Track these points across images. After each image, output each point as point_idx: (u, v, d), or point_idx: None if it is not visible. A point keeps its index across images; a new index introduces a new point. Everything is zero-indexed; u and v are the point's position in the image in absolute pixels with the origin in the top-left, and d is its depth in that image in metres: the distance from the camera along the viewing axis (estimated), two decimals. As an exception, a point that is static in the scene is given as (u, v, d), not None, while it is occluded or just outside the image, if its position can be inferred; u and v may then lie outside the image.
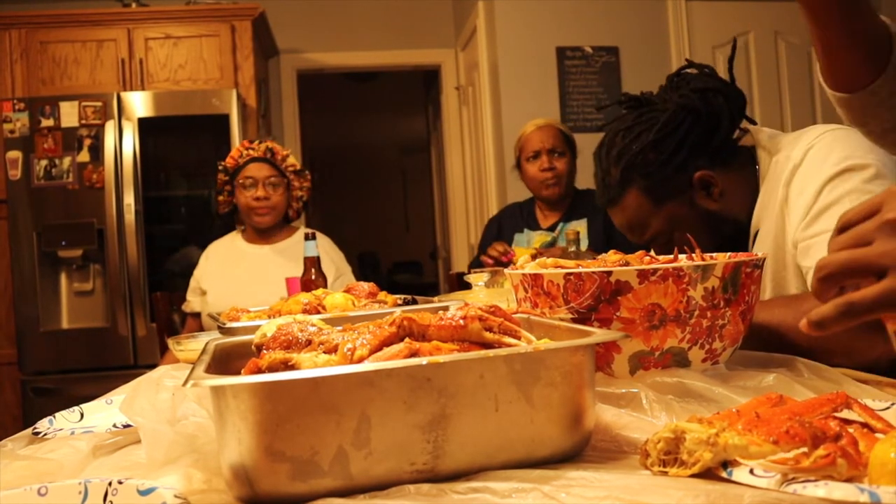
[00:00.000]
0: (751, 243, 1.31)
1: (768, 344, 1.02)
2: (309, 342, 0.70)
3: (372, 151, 8.66)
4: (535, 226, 2.69)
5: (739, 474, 0.53)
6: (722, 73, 1.34)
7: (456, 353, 0.64)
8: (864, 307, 0.55)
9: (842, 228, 0.60)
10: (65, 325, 3.62)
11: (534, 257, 1.00)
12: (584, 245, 2.43)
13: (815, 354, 0.92)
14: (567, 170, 2.61)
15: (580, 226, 2.57)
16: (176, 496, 0.53)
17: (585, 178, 2.74)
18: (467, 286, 1.78)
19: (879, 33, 0.95)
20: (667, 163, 1.28)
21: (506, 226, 2.75)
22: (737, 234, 1.32)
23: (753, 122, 1.36)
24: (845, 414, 0.61)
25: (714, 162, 1.29)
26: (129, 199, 3.53)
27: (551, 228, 2.63)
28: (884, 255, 0.55)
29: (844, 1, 0.90)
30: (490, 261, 2.40)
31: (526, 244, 2.59)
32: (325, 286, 1.82)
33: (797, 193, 1.19)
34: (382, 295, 1.32)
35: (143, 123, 3.61)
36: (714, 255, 1.00)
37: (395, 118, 8.00)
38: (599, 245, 2.45)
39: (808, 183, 1.17)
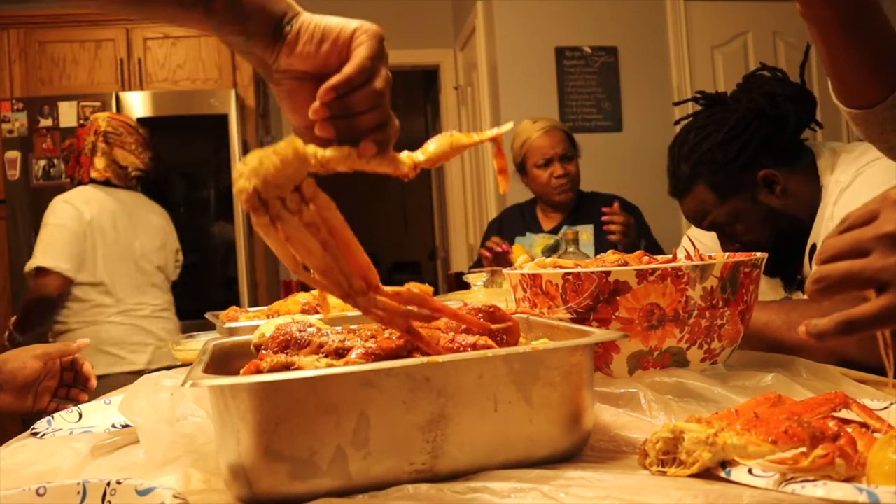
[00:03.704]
0: (807, 258, 1.37)
1: (764, 345, 1.02)
2: (308, 342, 0.70)
3: (371, 151, 8.64)
4: (537, 228, 2.66)
5: (738, 474, 0.53)
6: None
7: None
8: (864, 324, 0.55)
9: (843, 231, 0.60)
10: (63, 325, 3.61)
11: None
12: (591, 251, 2.42)
13: (807, 356, 0.92)
14: (577, 171, 2.60)
15: (586, 231, 2.55)
16: (175, 496, 0.53)
17: (590, 181, 2.74)
18: (466, 286, 1.78)
19: (892, 44, 0.90)
20: (733, 162, 1.36)
21: (507, 228, 2.71)
22: (794, 231, 1.38)
23: (820, 126, 1.43)
24: (844, 414, 0.61)
25: (779, 161, 1.37)
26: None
27: (554, 231, 2.60)
28: (883, 269, 0.55)
29: (847, 14, 0.86)
30: (489, 254, 2.39)
31: (528, 247, 2.55)
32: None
33: (840, 216, 1.23)
34: (381, 295, 1.32)
35: (142, 123, 3.60)
36: (713, 255, 1.01)
37: (393, 118, 7.97)
38: None
39: (851, 206, 1.21)
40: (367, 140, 0.64)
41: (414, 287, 0.66)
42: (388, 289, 0.64)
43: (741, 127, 1.36)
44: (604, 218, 2.31)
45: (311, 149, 0.61)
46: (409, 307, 0.64)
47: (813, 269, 0.59)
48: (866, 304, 0.55)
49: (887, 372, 0.59)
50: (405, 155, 0.67)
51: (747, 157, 1.36)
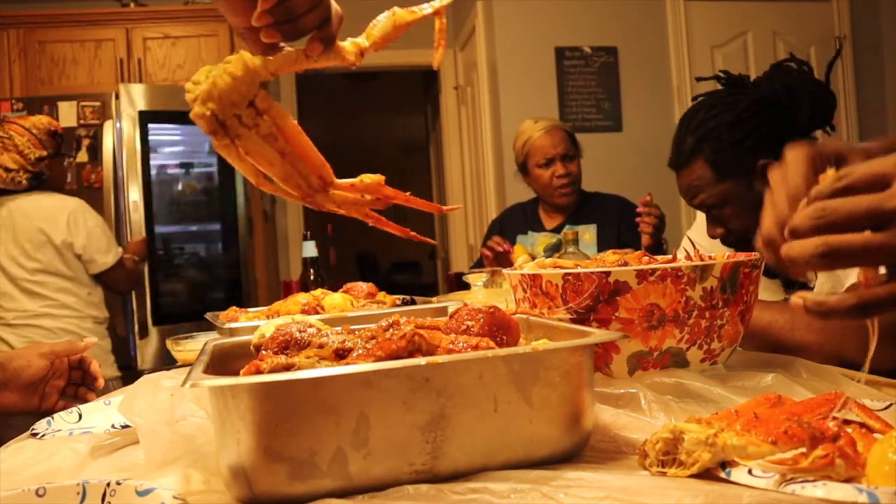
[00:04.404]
0: None
1: (767, 345, 1.02)
2: (308, 343, 0.70)
3: (371, 151, 8.67)
4: (538, 227, 2.65)
5: (738, 475, 0.53)
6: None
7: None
8: (880, 304, 0.49)
9: (841, 190, 0.51)
10: (63, 325, 3.61)
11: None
12: (593, 251, 2.41)
13: (807, 356, 0.92)
14: (578, 171, 2.60)
15: (589, 231, 2.54)
16: (174, 497, 0.53)
17: (590, 181, 2.73)
18: (466, 286, 1.78)
19: None
20: (737, 144, 1.37)
21: (508, 227, 2.70)
22: None
23: (833, 128, 1.43)
24: (844, 414, 0.61)
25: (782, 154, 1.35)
26: (134, 195, 3.52)
27: (556, 230, 2.60)
28: None
29: None
30: (490, 254, 2.38)
31: (530, 247, 2.55)
32: (324, 286, 1.82)
33: None
34: (381, 295, 1.32)
35: (142, 118, 3.60)
36: (713, 255, 1.01)
37: (393, 118, 7.99)
38: None
39: None
40: (312, 41, 0.64)
41: (366, 178, 0.67)
42: (342, 182, 0.65)
43: (753, 112, 1.37)
44: (639, 210, 2.25)
45: (259, 60, 0.62)
46: (366, 195, 0.66)
47: (816, 237, 0.50)
48: (886, 284, 0.50)
49: (864, 363, 0.57)
50: (349, 43, 0.67)
51: (752, 143, 1.36)
